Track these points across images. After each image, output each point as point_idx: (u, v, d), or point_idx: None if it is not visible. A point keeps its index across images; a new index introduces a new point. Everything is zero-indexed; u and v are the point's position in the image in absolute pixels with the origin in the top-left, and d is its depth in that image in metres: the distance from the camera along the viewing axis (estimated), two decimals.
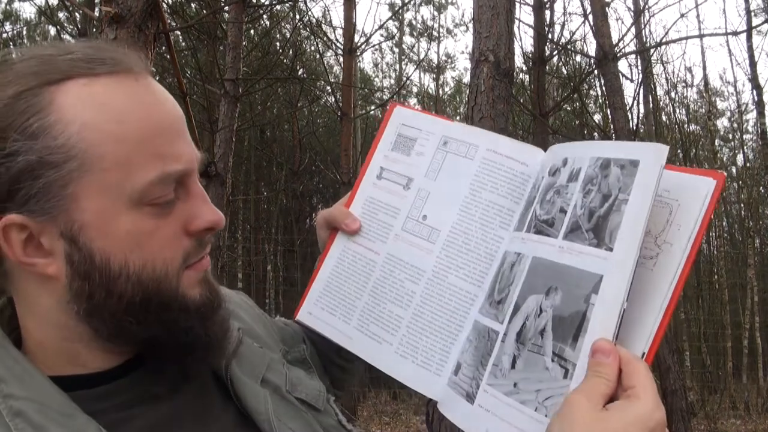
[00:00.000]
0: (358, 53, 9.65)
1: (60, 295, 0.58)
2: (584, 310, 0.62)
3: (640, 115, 11.25)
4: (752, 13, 11.47)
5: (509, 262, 0.74)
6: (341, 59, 9.17)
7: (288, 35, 10.19)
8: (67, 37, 10.04)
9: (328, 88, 10.00)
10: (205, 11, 7.66)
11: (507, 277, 0.73)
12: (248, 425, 0.67)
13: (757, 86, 12.35)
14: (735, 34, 10.98)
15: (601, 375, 0.58)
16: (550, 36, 8.73)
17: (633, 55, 9.73)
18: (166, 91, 0.63)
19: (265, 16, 9.93)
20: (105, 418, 0.57)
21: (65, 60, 0.57)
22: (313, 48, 12.10)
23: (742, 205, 14.30)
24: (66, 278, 0.57)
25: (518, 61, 8.58)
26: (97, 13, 2.85)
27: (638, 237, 0.61)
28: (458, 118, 20.15)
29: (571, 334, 0.63)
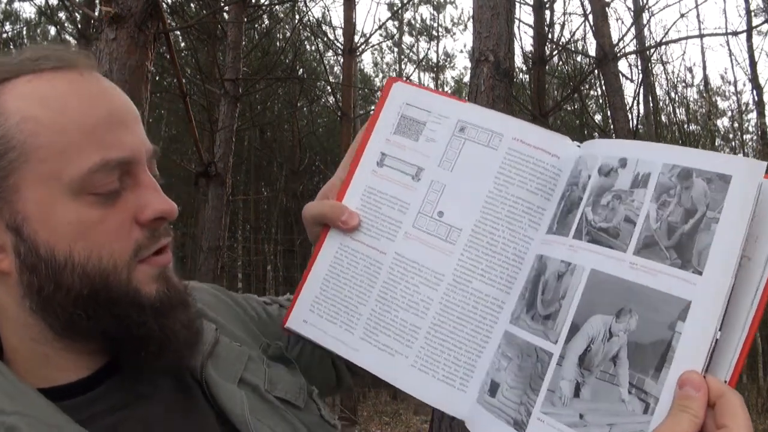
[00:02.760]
0: (358, 53, 9.64)
1: (15, 291, 0.58)
2: (669, 339, 0.56)
3: (640, 115, 11.25)
4: (752, 13, 11.46)
5: (554, 271, 0.67)
6: (341, 59, 9.18)
7: (288, 35, 10.19)
8: (67, 37, 10.06)
9: (328, 88, 10.00)
10: (205, 11, 7.66)
11: (554, 288, 0.66)
12: (231, 428, 0.66)
13: (757, 86, 12.35)
14: (735, 34, 10.99)
15: (689, 410, 0.52)
16: (550, 36, 8.72)
17: (633, 55, 9.73)
18: (117, 87, 0.63)
19: (265, 16, 9.93)
20: (95, 426, 0.57)
21: (15, 61, 0.59)
22: (313, 48, 12.11)
23: None
24: (16, 272, 0.57)
25: (518, 61, 8.58)
26: (97, 13, 2.85)
27: (733, 263, 0.55)
28: None
29: (653, 364, 0.56)
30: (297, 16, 9.75)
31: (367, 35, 11.83)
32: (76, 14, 7.95)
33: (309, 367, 0.83)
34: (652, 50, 9.81)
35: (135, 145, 0.60)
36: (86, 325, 0.58)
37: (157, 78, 8.00)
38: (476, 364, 0.70)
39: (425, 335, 0.72)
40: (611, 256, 0.62)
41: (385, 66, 20.96)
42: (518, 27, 8.09)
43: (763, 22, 11.30)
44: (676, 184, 0.61)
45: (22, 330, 0.59)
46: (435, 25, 19.64)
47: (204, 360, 0.68)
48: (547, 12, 8.81)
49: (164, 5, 3.81)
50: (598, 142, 0.71)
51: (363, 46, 10.00)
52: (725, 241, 0.56)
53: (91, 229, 0.57)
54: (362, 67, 17.75)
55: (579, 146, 0.73)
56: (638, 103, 9.51)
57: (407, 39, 19.43)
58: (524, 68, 9.16)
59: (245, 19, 6.84)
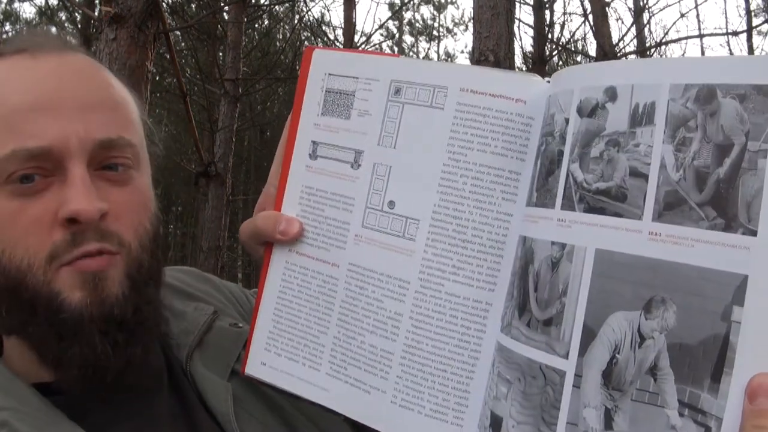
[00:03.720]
0: None
1: None
2: (725, 334, 0.40)
3: None
4: (752, 13, 11.46)
5: (544, 258, 0.51)
6: None
7: (288, 35, 10.19)
8: (67, 37, 10.04)
9: None
10: (205, 11, 7.67)
11: (549, 282, 0.50)
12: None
13: None
14: (735, 34, 10.99)
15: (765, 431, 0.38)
16: (550, 36, 8.73)
17: (633, 55, 9.72)
18: (85, 71, 0.59)
19: (265, 16, 9.93)
20: (89, 422, 0.55)
21: None
22: None
23: None
24: None
25: (518, 61, 8.58)
26: (97, 13, 2.86)
27: None
28: None
29: (708, 371, 0.40)
30: (297, 16, 9.75)
31: (368, 35, 11.83)
32: (76, 14, 7.94)
33: None
34: (652, 50, 9.81)
35: (62, 134, 0.54)
36: (5, 322, 0.56)
37: (157, 78, 7.98)
38: (469, 389, 0.56)
39: (400, 361, 0.58)
40: (621, 226, 0.46)
41: None
42: (518, 27, 8.10)
43: (763, 22, 11.30)
44: (696, 111, 0.44)
45: None
46: (436, 25, 19.64)
47: (190, 351, 0.65)
48: (547, 12, 8.82)
49: (164, 5, 3.81)
50: (571, 70, 0.54)
51: (363, 46, 10.00)
52: None
53: (8, 222, 0.54)
54: None
55: (549, 81, 0.56)
56: None
57: (407, 39, 19.46)
58: (524, 68, 9.16)
59: (245, 19, 6.86)
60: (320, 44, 10.77)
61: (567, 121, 0.51)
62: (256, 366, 0.64)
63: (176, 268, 0.83)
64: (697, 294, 0.41)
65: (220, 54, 7.87)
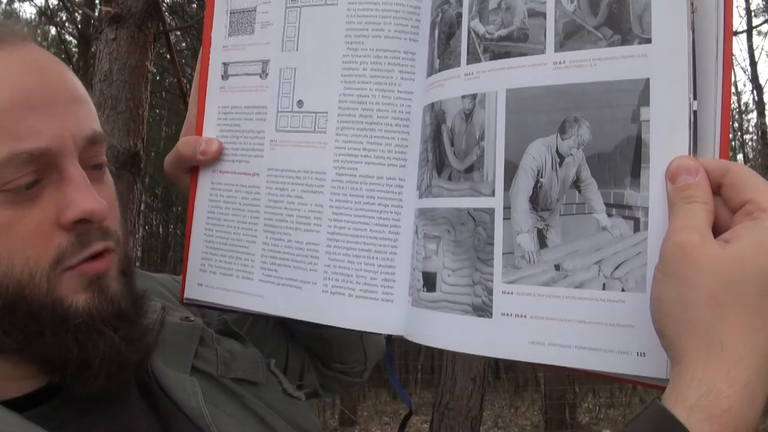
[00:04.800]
0: None
1: None
2: (637, 133, 0.45)
3: None
4: (752, 13, 11.48)
5: (457, 113, 0.53)
6: None
7: None
8: (67, 37, 10.07)
9: None
10: (204, 11, 7.66)
11: (465, 133, 0.53)
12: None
13: (757, 86, 12.39)
14: (735, 34, 10.99)
15: (695, 199, 0.42)
16: None
17: None
18: (55, 61, 0.55)
19: None
20: (68, 430, 0.53)
21: None
22: None
23: None
24: None
25: None
26: (97, 13, 2.86)
27: (684, 8, 0.44)
28: None
29: (627, 170, 0.45)
30: None
31: None
32: (76, 14, 7.95)
33: (262, 344, 0.74)
34: None
35: (57, 132, 0.51)
36: (3, 342, 0.51)
37: (157, 78, 7.99)
38: (395, 264, 0.58)
39: (326, 250, 0.60)
40: (526, 64, 0.49)
41: None
42: None
43: (763, 22, 11.34)
44: None
45: None
46: None
47: (150, 349, 0.62)
48: None
49: (164, 5, 3.82)
50: None
51: None
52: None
53: (2, 233, 0.49)
54: None
55: None
56: None
57: None
58: None
59: None
60: None
61: None
62: (194, 288, 0.67)
63: None
64: (607, 105, 0.46)
65: None
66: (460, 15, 0.54)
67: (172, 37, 3.34)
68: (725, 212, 0.43)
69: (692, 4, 0.45)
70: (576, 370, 0.48)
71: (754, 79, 12.67)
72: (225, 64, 0.67)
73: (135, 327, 0.56)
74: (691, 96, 0.44)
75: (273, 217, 0.63)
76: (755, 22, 11.77)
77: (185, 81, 3.30)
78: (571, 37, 0.47)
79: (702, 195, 0.42)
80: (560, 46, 0.48)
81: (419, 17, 0.59)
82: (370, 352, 0.85)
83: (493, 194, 0.51)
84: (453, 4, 0.55)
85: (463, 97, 0.53)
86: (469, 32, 0.53)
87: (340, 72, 0.61)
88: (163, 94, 9.51)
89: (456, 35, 0.54)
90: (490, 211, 0.51)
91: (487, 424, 7.67)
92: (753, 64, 12.76)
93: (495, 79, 0.51)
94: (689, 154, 0.44)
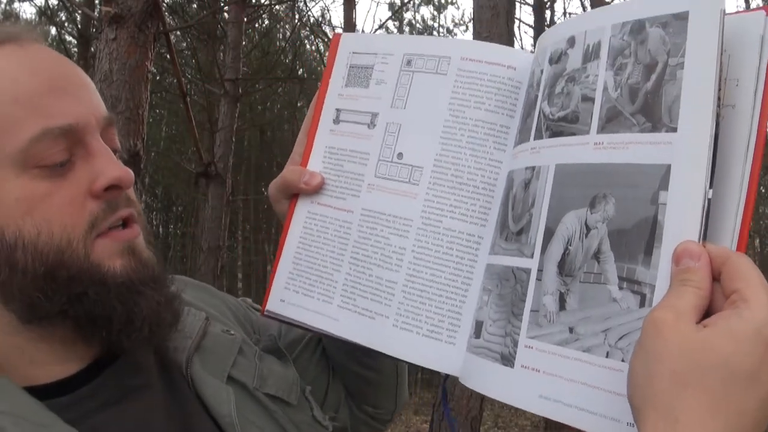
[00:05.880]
0: None
1: None
2: (653, 215, 0.48)
3: None
4: None
5: (520, 182, 0.60)
6: None
7: (288, 35, 10.20)
8: (67, 37, 10.06)
9: None
10: (205, 11, 7.67)
11: (522, 200, 0.59)
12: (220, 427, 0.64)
13: None
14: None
15: (689, 282, 0.44)
16: None
17: None
18: (63, 57, 0.61)
19: (265, 16, 9.93)
20: (85, 425, 0.55)
21: None
22: (313, 48, 12.12)
23: None
24: None
25: None
26: (97, 13, 2.86)
27: (710, 104, 0.47)
28: None
29: (641, 248, 0.48)
30: (297, 16, 9.75)
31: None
32: (76, 14, 7.96)
33: (305, 370, 0.79)
34: None
35: (81, 111, 0.57)
36: (46, 308, 0.55)
37: (157, 78, 8.00)
38: (462, 311, 0.64)
39: (402, 289, 0.66)
40: (573, 143, 0.55)
41: None
42: (518, 27, 8.10)
43: None
44: (630, 41, 0.53)
45: None
46: (436, 25, 19.64)
47: (190, 354, 0.66)
48: (547, 12, 8.82)
49: (164, 5, 3.82)
50: (545, 33, 0.64)
51: None
52: (696, 85, 0.48)
53: (40, 204, 0.54)
54: None
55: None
56: None
57: None
58: None
59: (245, 19, 6.85)
60: (321, 44, 10.79)
61: (542, 71, 0.61)
62: (276, 303, 0.74)
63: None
64: (632, 186, 0.50)
65: (220, 54, 7.86)
66: (536, 97, 0.61)
67: (172, 37, 3.34)
68: (721, 298, 0.44)
69: (720, 98, 0.48)
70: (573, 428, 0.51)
71: None
72: (338, 110, 0.75)
73: (167, 290, 0.61)
74: (707, 185, 0.46)
75: (359, 252, 0.70)
76: None
77: (185, 81, 3.30)
78: (611, 121, 0.53)
79: (697, 280, 0.44)
80: (601, 129, 0.53)
81: (518, 96, 0.66)
82: (399, 402, 0.89)
83: (532, 256, 0.56)
84: (534, 88, 0.62)
85: (526, 168, 0.59)
86: (539, 112, 0.60)
87: (440, 134, 0.68)
88: (163, 94, 9.52)
89: (531, 114, 0.61)
90: (528, 271, 0.56)
91: (487, 424, 7.63)
92: None
93: (550, 155, 0.57)
94: (699, 239, 0.46)
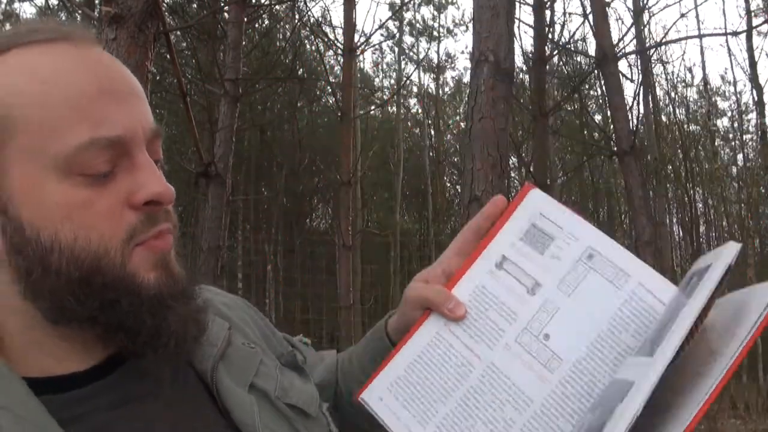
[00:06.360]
0: (358, 53, 9.65)
1: (5, 274, 0.56)
2: (605, 421, 0.55)
3: (640, 115, 11.26)
4: (752, 14, 11.47)
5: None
6: (341, 59, 9.18)
7: (288, 35, 10.20)
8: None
9: (329, 88, 10.00)
10: (205, 11, 7.67)
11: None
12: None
13: (757, 86, 12.36)
14: (735, 34, 11.00)
15: None
16: (550, 36, 8.72)
17: (633, 56, 9.73)
18: (117, 61, 0.60)
19: (265, 16, 9.93)
20: (84, 425, 0.55)
21: (7, 35, 0.57)
22: (313, 48, 12.11)
23: (742, 204, 14.31)
24: (6, 254, 0.55)
25: (518, 61, 8.57)
26: (97, 13, 2.86)
27: (676, 340, 0.54)
28: (458, 117, 20.13)
29: None
30: (297, 16, 9.75)
31: (368, 35, 11.84)
32: (76, 14, 7.95)
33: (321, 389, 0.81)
34: (652, 50, 9.82)
35: (130, 122, 0.56)
36: (77, 312, 0.55)
37: (157, 78, 7.98)
38: None
39: None
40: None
41: (385, 65, 20.94)
42: (518, 27, 8.08)
43: (763, 22, 11.31)
44: None
45: (15, 316, 0.57)
46: (436, 25, 19.62)
47: (215, 362, 0.66)
48: (547, 12, 8.81)
49: (164, 5, 3.81)
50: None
51: (363, 46, 10.01)
52: (680, 325, 0.56)
53: (79, 211, 0.54)
54: (362, 67, 17.74)
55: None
56: (638, 103, 9.52)
57: (408, 39, 19.44)
58: (524, 68, 9.16)
59: (245, 19, 6.84)
60: (321, 44, 10.74)
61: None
62: (374, 398, 0.75)
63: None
64: (612, 399, 0.58)
65: (220, 54, 7.86)
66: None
67: (172, 37, 3.34)
68: None
69: (715, 350, 0.55)
70: None
71: (754, 79, 12.38)
72: (505, 258, 0.75)
73: (194, 304, 0.61)
74: (641, 405, 0.52)
75: (470, 399, 0.70)
76: (755, 22, 11.70)
77: (185, 81, 3.30)
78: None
79: None
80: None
81: (653, 324, 0.68)
82: None
83: None
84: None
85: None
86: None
87: (592, 342, 0.69)
88: (163, 94, 9.52)
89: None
90: None
91: None
92: (753, 64, 12.46)
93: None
94: None
